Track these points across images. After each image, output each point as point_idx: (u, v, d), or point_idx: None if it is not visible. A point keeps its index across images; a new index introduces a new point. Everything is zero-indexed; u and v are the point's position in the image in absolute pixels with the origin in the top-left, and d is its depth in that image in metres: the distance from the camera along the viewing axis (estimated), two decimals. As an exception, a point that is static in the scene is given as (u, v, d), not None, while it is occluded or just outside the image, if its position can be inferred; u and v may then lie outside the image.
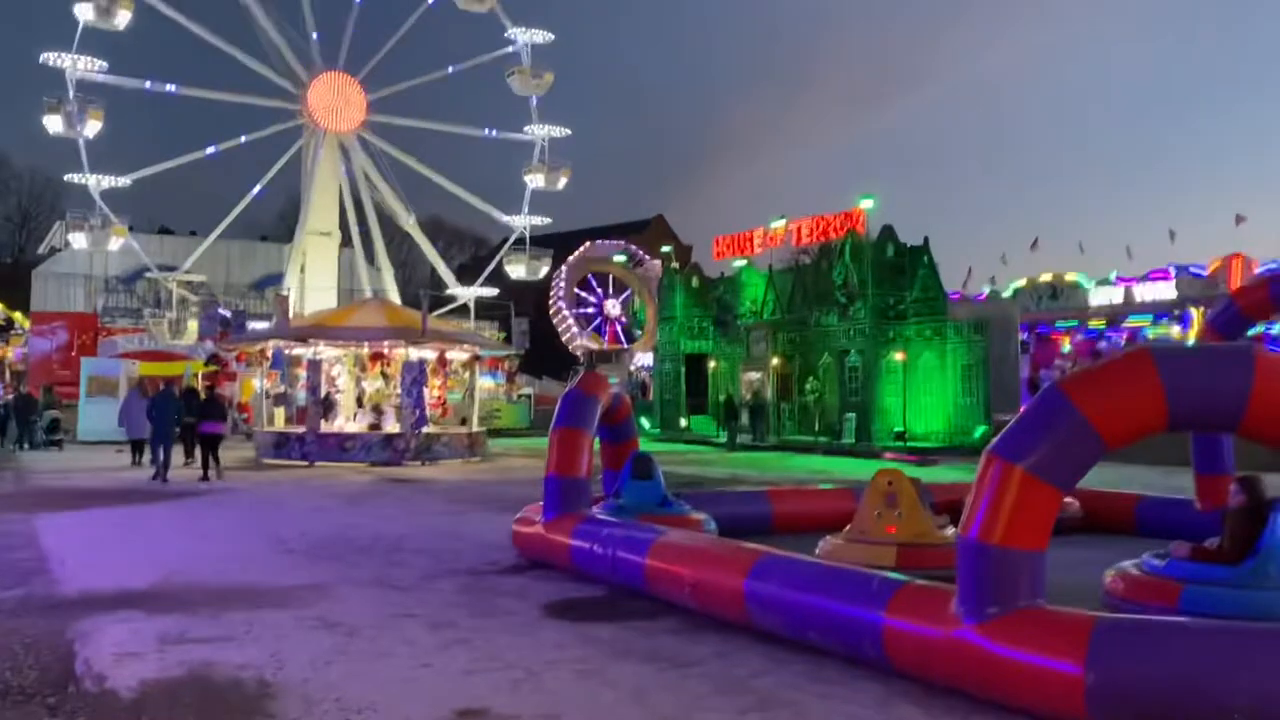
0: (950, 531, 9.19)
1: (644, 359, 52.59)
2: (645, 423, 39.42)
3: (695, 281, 40.53)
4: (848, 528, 9.53)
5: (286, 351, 26.15)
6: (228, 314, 33.74)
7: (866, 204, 33.32)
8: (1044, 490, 5.72)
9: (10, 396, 32.68)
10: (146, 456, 21.49)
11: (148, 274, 44.24)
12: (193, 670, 6.45)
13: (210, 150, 43.27)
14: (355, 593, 9.13)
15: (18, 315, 51.36)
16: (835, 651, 6.73)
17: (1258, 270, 37.23)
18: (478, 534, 12.92)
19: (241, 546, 12.00)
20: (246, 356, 28.19)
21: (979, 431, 29.47)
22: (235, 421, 36.17)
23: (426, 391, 26.35)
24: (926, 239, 32.15)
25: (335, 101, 44.18)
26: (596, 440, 11.29)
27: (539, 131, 48.08)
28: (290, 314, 27.23)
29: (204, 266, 45.26)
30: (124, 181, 41.18)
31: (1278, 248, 40.04)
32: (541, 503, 10.60)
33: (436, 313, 36.79)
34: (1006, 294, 42.45)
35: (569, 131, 48.65)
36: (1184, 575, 7.00)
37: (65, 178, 41.62)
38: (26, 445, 28.78)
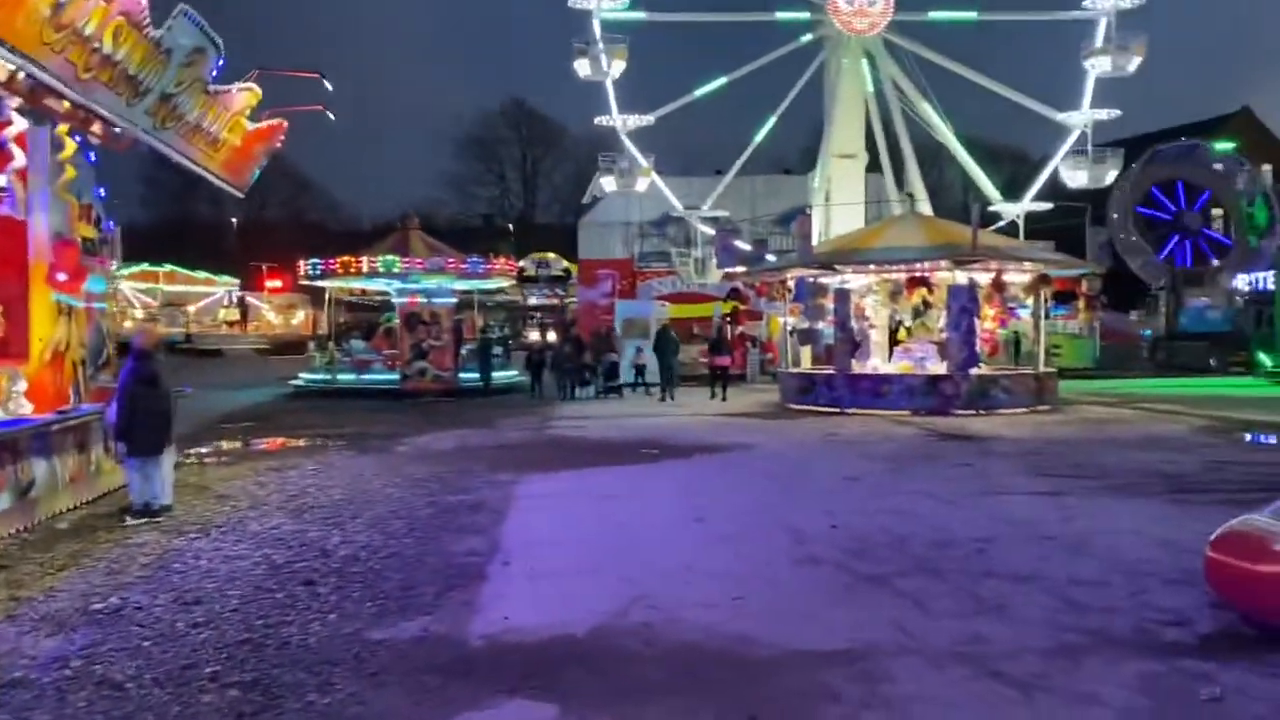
0: None
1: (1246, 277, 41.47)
2: (1267, 360, 30.27)
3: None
4: None
5: (810, 281, 22.55)
6: (746, 246, 31.01)
7: None
8: None
9: (543, 345, 33.02)
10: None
11: (673, 213, 43.71)
12: None
13: (725, 80, 41.29)
14: (923, 676, 4.75)
15: (573, 266, 54.99)
16: None
17: None
18: (1109, 541, 7.91)
19: (743, 546, 8.21)
20: (768, 290, 25.15)
21: None
22: (761, 362, 33.95)
23: (978, 324, 21.23)
24: None
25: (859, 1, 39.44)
26: None
27: (1104, 3, 39.00)
28: (814, 238, 23.43)
29: (727, 204, 43.77)
30: (648, 120, 40.74)
31: None
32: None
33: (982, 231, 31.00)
34: None
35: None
36: None
37: (595, 120, 42.06)
38: (572, 394, 27.17)
